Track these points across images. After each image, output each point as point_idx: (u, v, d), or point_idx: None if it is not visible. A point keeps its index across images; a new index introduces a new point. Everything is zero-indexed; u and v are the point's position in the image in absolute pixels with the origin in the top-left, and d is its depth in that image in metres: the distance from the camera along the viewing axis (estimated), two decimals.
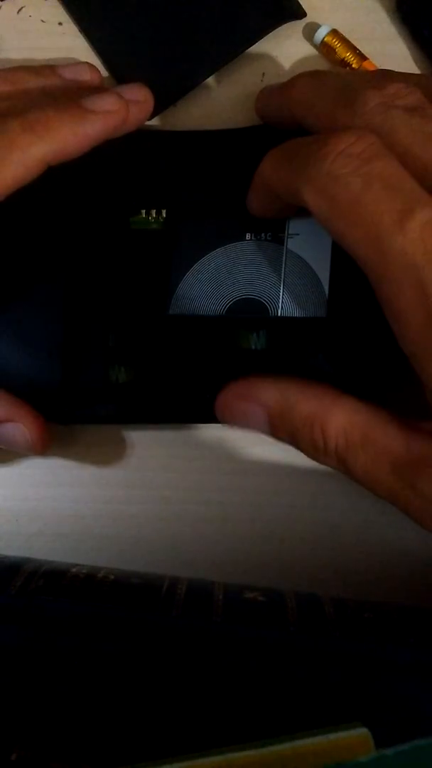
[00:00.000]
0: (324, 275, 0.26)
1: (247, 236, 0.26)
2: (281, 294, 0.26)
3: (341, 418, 0.22)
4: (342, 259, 0.26)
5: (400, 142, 0.21)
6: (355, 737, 0.16)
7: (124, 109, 0.25)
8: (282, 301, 0.26)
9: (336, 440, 0.22)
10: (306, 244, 0.26)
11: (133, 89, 0.26)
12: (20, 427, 0.25)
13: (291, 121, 0.25)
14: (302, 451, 0.23)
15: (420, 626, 0.22)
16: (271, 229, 0.26)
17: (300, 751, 0.16)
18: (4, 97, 0.25)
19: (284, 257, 0.26)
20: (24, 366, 0.26)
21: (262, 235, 0.26)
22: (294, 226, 0.26)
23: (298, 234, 0.26)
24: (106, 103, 0.24)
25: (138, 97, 0.25)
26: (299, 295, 0.26)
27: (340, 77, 0.24)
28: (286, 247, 0.26)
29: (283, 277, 0.26)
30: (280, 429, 0.23)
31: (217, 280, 0.26)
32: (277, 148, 0.23)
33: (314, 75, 0.24)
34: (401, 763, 0.15)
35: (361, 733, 0.16)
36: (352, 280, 0.26)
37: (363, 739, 0.16)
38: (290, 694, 0.20)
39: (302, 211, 0.25)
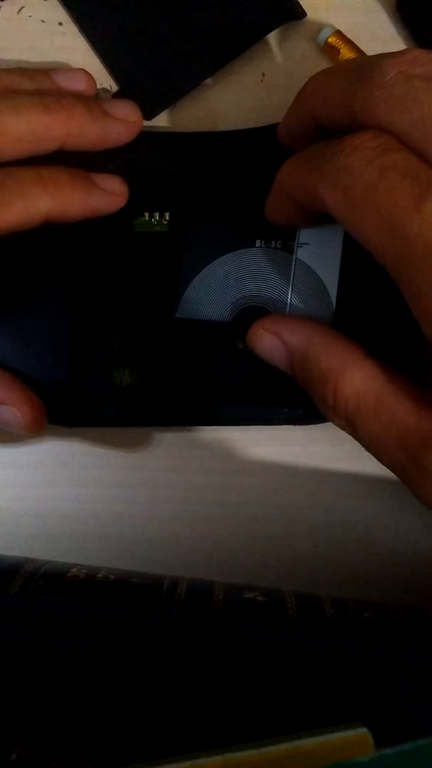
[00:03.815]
0: (332, 286, 0.26)
1: (257, 243, 0.26)
2: (288, 303, 0.26)
3: (357, 381, 0.22)
4: (351, 271, 0.26)
5: (425, 113, 0.20)
6: (355, 737, 0.16)
7: (125, 195, 0.26)
8: (289, 311, 0.26)
9: (347, 402, 0.22)
10: (315, 255, 0.26)
11: (125, 107, 0.26)
12: (11, 410, 0.25)
13: (314, 127, 0.24)
14: (314, 402, 0.23)
15: (420, 626, 0.22)
16: (281, 238, 0.26)
17: (300, 751, 0.16)
18: None
19: (293, 266, 0.26)
20: (30, 369, 0.26)
21: (272, 243, 0.26)
22: (304, 235, 0.26)
23: (308, 244, 0.26)
24: (113, 185, 0.26)
25: (128, 117, 0.26)
26: (306, 305, 0.26)
27: (352, 59, 0.24)
28: (296, 257, 0.26)
29: (291, 286, 0.26)
30: (298, 374, 0.24)
31: (225, 286, 0.26)
32: (295, 154, 0.23)
33: (324, 69, 0.24)
34: (401, 763, 0.15)
35: (361, 733, 0.16)
36: (361, 293, 0.26)
37: (363, 739, 0.16)
38: (290, 694, 0.20)
39: (319, 221, 0.25)
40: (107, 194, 0.25)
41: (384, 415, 0.21)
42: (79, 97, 0.25)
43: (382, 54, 0.22)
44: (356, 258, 0.26)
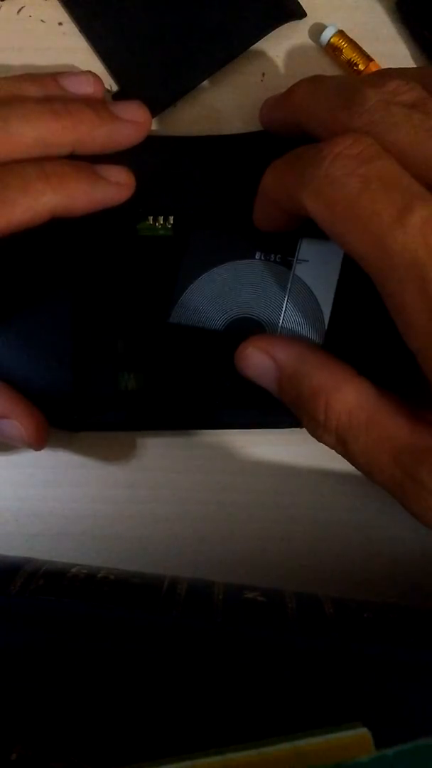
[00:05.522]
0: (326, 306, 0.26)
1: (257, 255, 0.26)
2: (281, 318, 0.26)
3: (350, 396, 0.22)
4: (346, 291, 0.26)
5: (401, 139, 0.21)
6: (355, 737, 0.16)
7: (132, 185, 0.26)
8: (281, 325, 0.26)
9: (339, 418, 0.22)
10: (313, 272, 0.26)
11: (133, 109, 0.26)
12: (15, 424, 0.25)
13: (295, 129, 0.25)
14: (302, 421, 0.23)
15: (419, 626, 0.22)
16: (281, 252, 0.26)
17: (300, 751, 0.16)
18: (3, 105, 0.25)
19: (290, 282, 0.26)
20: (35, 374, 0.26)
21: (272, 256, 0.26)
22: (304, 252, 0.26)
23: (307, 260, 0.26)
24: (119, 175, 0.26)
25: (137, 118, 0.26)
26: (299, 321, 0.26)
27: (338, 79, 0.24)
28: (294, 272, 0.26)
29: (285, 301, 0.26)
30: (286, 392, 0.23)
31: (221, 294, 0.26)
32: (278, 159, 0.23)
33: (313, 80, 0.25)
34: (401, 763, 0.15)
35: (361, 733, 0.16)
36: (354, 314, 0.26)
37: (363, 739, 0.16)
38: (290, 694, 0.20)
39: (310, 233, 0.25)
40: (113, 185, 0.25)
41: (377, 430, 0.21)
42: (87, 102, 0.25)
43: (365, 79, 0.23)
44: (353, 279, 0.26)
